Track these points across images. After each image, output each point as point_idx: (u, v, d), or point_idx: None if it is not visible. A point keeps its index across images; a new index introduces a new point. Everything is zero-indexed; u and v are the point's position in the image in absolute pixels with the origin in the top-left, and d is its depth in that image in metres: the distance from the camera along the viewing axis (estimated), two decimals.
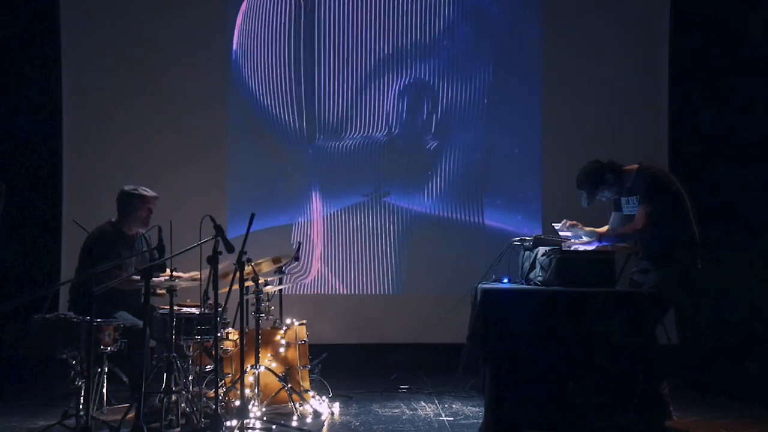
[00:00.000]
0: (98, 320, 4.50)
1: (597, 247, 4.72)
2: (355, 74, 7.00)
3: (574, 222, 4.90)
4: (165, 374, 4.56)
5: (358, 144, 7.02)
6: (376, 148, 7.02)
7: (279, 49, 7.01)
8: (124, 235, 5.20)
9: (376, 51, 7.01)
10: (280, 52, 7.01)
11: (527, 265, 4.87)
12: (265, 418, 4.75)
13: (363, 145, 7.02)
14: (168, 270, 4.88)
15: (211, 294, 4.49)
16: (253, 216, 4.46)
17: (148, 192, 5.21)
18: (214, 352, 4.61)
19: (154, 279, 4.69)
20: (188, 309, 4.87)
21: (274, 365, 5.14)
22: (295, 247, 6.24)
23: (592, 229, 4.89)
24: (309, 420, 4.89)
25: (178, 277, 4.85)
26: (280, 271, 5.35)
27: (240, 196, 6.88)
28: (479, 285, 4.79)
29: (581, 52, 7.03)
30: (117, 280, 4.73)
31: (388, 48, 7.02)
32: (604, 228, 5.03)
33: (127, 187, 5.20)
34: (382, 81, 7.01)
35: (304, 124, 7.00)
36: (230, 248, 4.39)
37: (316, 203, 7.00)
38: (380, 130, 7.03)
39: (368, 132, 7.02)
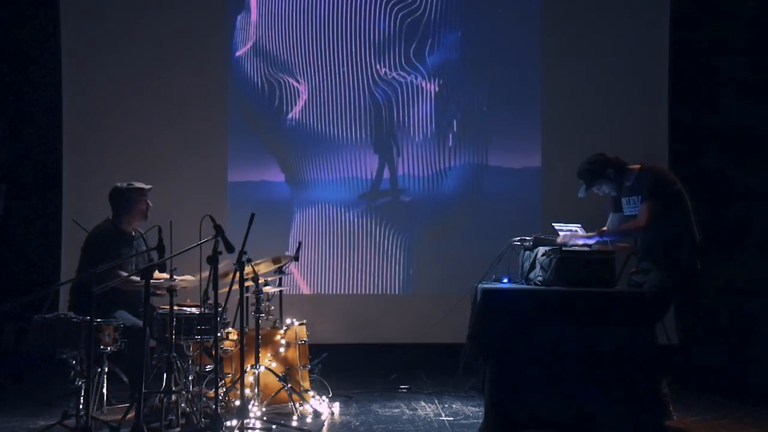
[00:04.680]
0: (98, 320, 4.50)
1: (597, 241, 4.71)
2: (357, 73, 7.01)
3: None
4: (165, 374, 4.56)
5: (359, 145, 7.02)
6: (376, 149, 7.03)
7: (285, 43, 7.02)
8: (124, 232, 5.19)
9: (378, 49, 7.01)
10: (288, 47, 7.01)
11: (527, 265, 4.87)
12: (265, 418, 4.75)
13: (363, 147, 7.02)
14: (167, 272, 4.87)
15: (211, 294, 4.49)
16: (253, 216, 4.45)
17: (144, 184, 5.21)
18: (214, 352, 4.61)
19: (153, 279, 4.69)
20: (188, 309, 4.87)
21: (274, 365, 5.14)
22: (295, 246, 6.24)
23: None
24: (309, 420, 4.89)
25: (174, 280, 4.84)
26: (280, 271, 5.35)
27: (240, 196, 6.88)
28: (479, 285, 4.79)
29: (581, 52, 7.04)
30: (117, 280, 4.73)
31: (388, 47, 7.02)
32: (602, 230, 5.02)
33: (120, 184, 5.19)
34: (383, 81, 7.01)
35: (306, 122, 7.00)
36: (230, 248, 4.39)
37: (317, 203, 7.00)
38: (381, 131, 7.03)
39: (368, 132, 7.02)
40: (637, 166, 4.84)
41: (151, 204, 5.23)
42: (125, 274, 4.94)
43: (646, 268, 4.78)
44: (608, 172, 4.82)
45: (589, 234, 4.83)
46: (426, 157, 7.04)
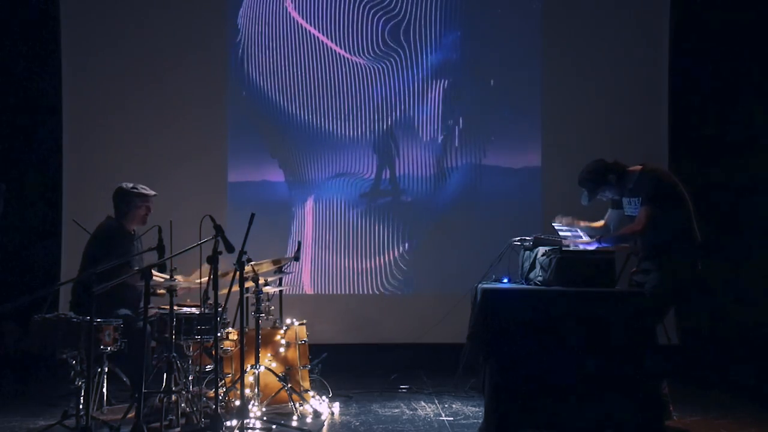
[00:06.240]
0: (98, 320, 4.50)
1: (597, 248, 4.72)
2: (357, 73, 7.01)
3: (570, 219, 4.93)
4: (165, 374, 4.56)
5: (359, 145, 7.02)
6: (376, 149, 7.03)
7: (286, 40, 7.02)
8: (127, 231, 5.20)
9: (378, 48, 7.01)
10: (288, 44, 7.02)
11: (527, 265, 4.87)
12: (265, 418, 4.75)
13: (363, 147, 7.02)
14: (167, 273, 4.87)
15: (211, 294, 4.49)
16: (253, 216, 4.45)
17: (148, 190, 5.20)
18: (214, 352, 4.61)
19: (154, 279, 4.70)
20: (188, 309, 4.87)
21: (274, 365, 5.14)
22: (295, 246, 6.24)
23: (587, 223, 4.92)
24: (309, 420, 4.89)
25: (174, 280, 4.84)
26: (280, 271, 5.34)
27: (240, 196, 6.88)
28: (479, 285, 4.79)
29: (581, 52, 7.03)
30: (126, 275, 4.72)
31: (390, 45, 7.02)
32: (600, 222, 5.03)
33: (125, 185, 5.19)
34: (383, 81, 7.01)
35: (307, 122, 7.01)
36: (230, 248, 4.39)
37: (317, 203, 7.00)
38: (381, 132, 7.03)
39: (368, 133, 7.03)
40: (638, 168, 4.83)
41: (150, 210, 5.22)
42: (137, 268, 4.93)
43: (646, 268, 4.78)
44: (610, 178, 4.81)
45: (588, 239, 4.83)
46: (426, 157, 7.03)
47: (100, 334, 4.55)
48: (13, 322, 6.32)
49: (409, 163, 7.03)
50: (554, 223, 5.03)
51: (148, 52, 6.90)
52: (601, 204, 5.08)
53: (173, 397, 4.54)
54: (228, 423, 4.50)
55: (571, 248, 4.62)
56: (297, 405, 4.99)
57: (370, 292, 6.97)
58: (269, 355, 5.20)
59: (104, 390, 4.95)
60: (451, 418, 4.96)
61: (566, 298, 4.43)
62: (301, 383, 5.20)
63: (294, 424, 4.76)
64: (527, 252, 4.90)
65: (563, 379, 4.34)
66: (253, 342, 4.95)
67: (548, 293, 4.49)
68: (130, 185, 5.19)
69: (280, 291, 5.50)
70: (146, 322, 4.47)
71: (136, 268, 4.98)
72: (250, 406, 4.76)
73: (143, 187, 5.21)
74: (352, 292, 6.96)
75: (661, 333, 4.79)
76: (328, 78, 7.01)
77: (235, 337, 4.93)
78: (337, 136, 7.01)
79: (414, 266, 6.97)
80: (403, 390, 5.78)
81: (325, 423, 4.87)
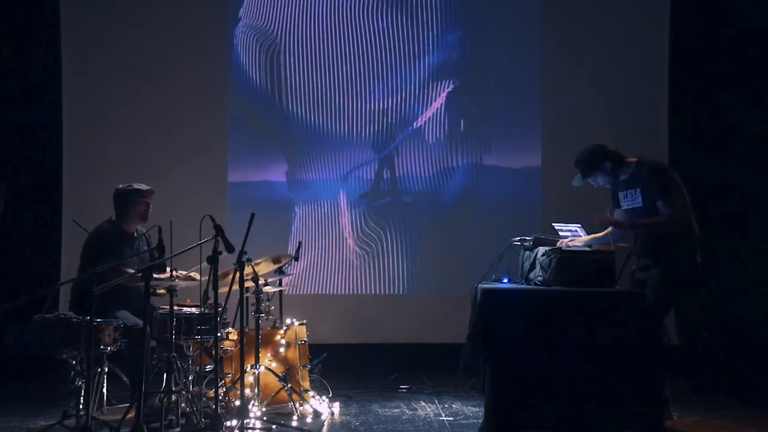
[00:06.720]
0: (98, 320, 4.50)
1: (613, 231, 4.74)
2: (358, 73, 7.01)
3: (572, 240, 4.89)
4: (165, 374, 4.56)
5: (359, 145, 7.02)
6: (377, 149, 7.03)
7: (287, 40, 7.02)
8: (125, 233, 5.20)
9: (378, 48, 7.02)
10: (288, 46, 7.02)
11: (527, 265, 4.87)
12: (265, 418, 4.75)
13: (364, 146, 7.02)
14: (168, 270, 4.88)
15: (211, 294, 4.49)
16: (253, 216, 4.45)
17: (143, 186, 5.21)
18: (214, 352, 4.61)
19: (154, 278, 4.70)
20: (188, 309, 4.87)
21: (274, 365, 5.14)
22: (295, 246, 6.25)
23: (592, 237, 4.90)
24: (309, 420, 4.89)
25: (177, 276, 4.85)
26: (280, 271, 5.34)
27: (240, 196, 6.88)
28: (479, 285, 4.79)
29: (581, 52, 7.03)
30: (122, 277, 4.73)
31: (390, 45, 7.03)
32: (604, 232, 5.02)
33: (121, 185, 5.21)
34: (384, 80, 7.02)
35: (307, 122, 7.01)
36: (230, 248, 4.39)
37: (317, 203, 7.00)
38: (381, 131, 7.03)
39: (369, 133, 7.03)
40: (634, 160, 4.82)
41: (150, 206, 5.22)
42: (131, 270, 4.94)
43: (646, 264, 4.77)
44: (605, 166, 4.80)
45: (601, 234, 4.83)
46: (426, 157, 7.03)
47: (100, 334, 4.55)
48: (13, 322, 6.33)
49: (409, 163, 7.03)
50: (554, 223, 5.02)
51: (148, 52, 6.90)
52: (602, 210, 5.06)
53: (173, 397, 4.54)
54: (228, 423, 4.50)
55: (571, 248, 4.62)
56: (297, 405, 4.99)
57: (370, 292, 6.97)
58: (269, 355, 5.20)
59: (104, 390, 4.95)
60: (451, 418, 4.96)
61: (566, 298, 4.43)
62: (301, 383, 5.20)
63: (294, 424, 4.76)
64: (527, 252, 4.91)
65: (563, 379, 4.34)
66: (253, 342, 4.95)
67: (548, 293, 4.50)
68: (125, 184, 5.21)
69: (280, 291, 5.51)
70: (146, 322, 4.47)
71: (131, 269, 4.99)
72: (250, 406, 4.76)
73: (138, 183, 5.22)
74: (352, 292, 6.96)
75: (661, 333, 4.78)
76: (328, 78, 7.01)
77: (235, 337, 4.93)
78: (337, 136, 7.02)
79: (414, 266, 6.98)
80: (403, 390, 5.78)
81: (325, 423, 4.87)
